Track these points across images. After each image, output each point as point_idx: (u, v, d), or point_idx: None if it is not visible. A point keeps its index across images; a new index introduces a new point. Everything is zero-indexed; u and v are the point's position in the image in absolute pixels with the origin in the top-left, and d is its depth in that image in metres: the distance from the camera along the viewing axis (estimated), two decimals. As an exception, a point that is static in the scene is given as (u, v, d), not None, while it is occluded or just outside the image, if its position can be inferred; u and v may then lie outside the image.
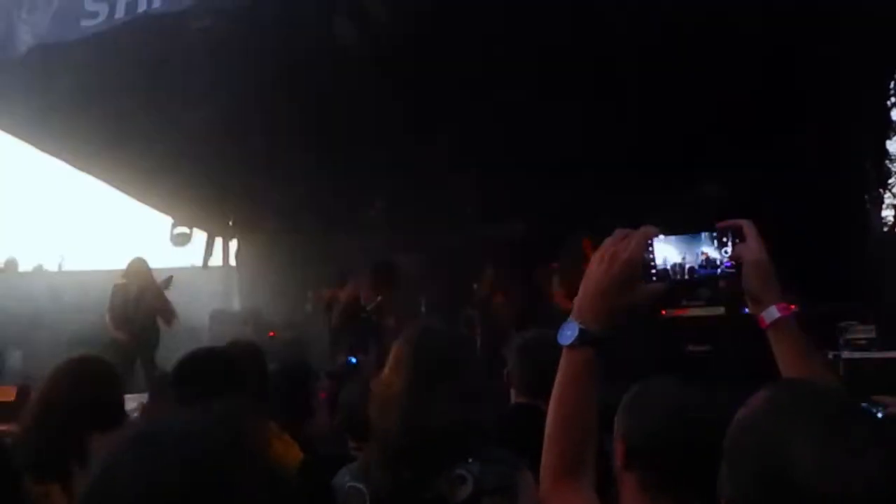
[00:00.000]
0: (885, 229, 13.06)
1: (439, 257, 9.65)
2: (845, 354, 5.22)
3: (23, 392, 6.24)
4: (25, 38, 6.22)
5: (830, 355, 5.23)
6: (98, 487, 0.90)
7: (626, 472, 1.68)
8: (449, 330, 2.07)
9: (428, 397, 1.83)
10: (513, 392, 2.71)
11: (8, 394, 6.12)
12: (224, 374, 2.52)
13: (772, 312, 1.47)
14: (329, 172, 8.82)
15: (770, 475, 1.02)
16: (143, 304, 6.93)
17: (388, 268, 7.88)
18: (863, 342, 6.01)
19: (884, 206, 12.57)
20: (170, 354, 7.88)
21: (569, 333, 1.39)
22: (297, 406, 3.67)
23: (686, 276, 1.45)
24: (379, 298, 7.70)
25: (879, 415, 2.71)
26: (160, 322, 7.20)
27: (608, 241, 1.41)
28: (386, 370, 1.94)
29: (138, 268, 7.06)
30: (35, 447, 2.14)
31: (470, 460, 1.84)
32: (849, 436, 1.00)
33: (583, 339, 1.37)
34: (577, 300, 1.42)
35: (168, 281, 7.10)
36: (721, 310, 7.72)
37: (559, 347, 2.66)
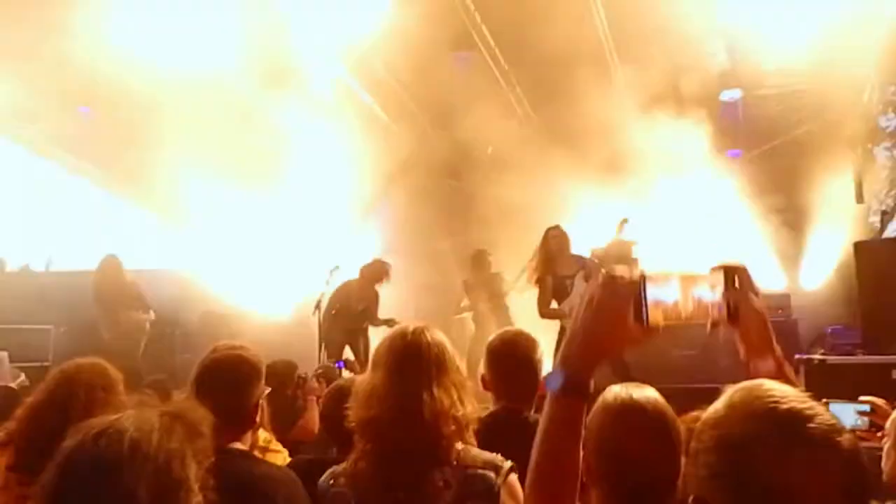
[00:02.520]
0: (873, 233, 13.17)
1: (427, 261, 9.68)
2: (830, 359, 5.25)
3: (9, 395, 6.20)
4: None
5: (816, 360, 5.25)
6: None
7: (592, 488, 1.68)
8: (429, 331, 2.05)
9: (409, 399, 1.84)
10: (492, 396, 2.66)
11: (-7, 395, 6.08)
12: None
13: (768, 365, 1.44)
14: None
15: (733, 472, 1.05)
16: (122, 302, 6.94)
17: (377, 266, 7.85)
18: (847, 346, 6.06)
19: (871, 212, 12.70)
20: (164, 355, 7.86)
21: (555, 381, 1.34)
22: (284, 410, 3.67)
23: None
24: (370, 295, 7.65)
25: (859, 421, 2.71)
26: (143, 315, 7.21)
27: (596, 287, 1.36)
28: (367, 372, 1.95)
29: (110, 266, 7.10)
30: (25, 448, 2.13)
31: (454, 463, 1.84)
32: (806, 433, 1.04)
33: (568, 386, 1.33)
34: (563, 346, 1.38)
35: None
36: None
37: (532, 349, 2.66)
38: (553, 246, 6.00)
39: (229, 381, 2.20)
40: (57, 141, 9.42)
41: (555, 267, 5.98)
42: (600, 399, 1.74)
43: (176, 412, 1.23)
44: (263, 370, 2.32)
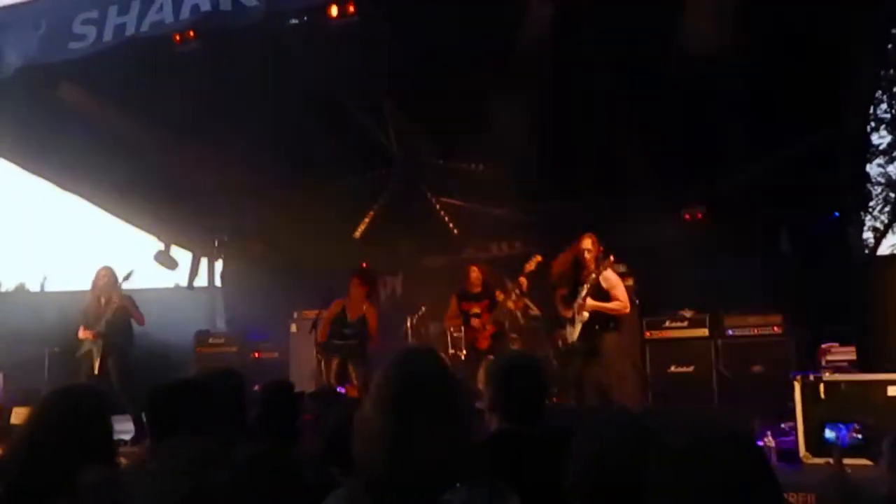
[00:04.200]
0: (867, 251, 13.27)
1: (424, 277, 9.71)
2: (826, 376, 5.27)
3: (3, 414, 6.21)
4: (13, 59, 6.24)
5: (811, 377, 5.28)
6: None
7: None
8: (430, 354, 2.05)
9: (411, 427, 1.82)
10: (493, 418, 2.67)
11: (-12, 415, 6.08)
12: (195, 404, 2.53)
13: None
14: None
15: None
16: (111, 304, 7.00)
17: (368, 275, 7.84)
18: (843, 364, 6.08)
19: (864, 228, 12.82)
20: (156, 375, 7.82)
21: None
22: (283, 429, 3.66)
23: None
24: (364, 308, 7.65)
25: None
26: (134, 324, 7.23)
27: None
28: (367, 401, 1.92)
29: (106, 277, 7.15)
30: (17, 478, 2.07)
31: (457, 486, 1.83)
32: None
33: None
34: None
35: (128, 275, 7.16)
36: (705, 331, 7.80)
37: (540, 370, 2.69)
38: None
39: None
40: None
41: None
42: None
43: None
44: None
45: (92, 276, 7.25)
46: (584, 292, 6.22)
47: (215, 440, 1.94)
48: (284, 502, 1.66)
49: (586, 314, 6.20)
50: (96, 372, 6.85)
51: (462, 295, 7.90)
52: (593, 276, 6.20)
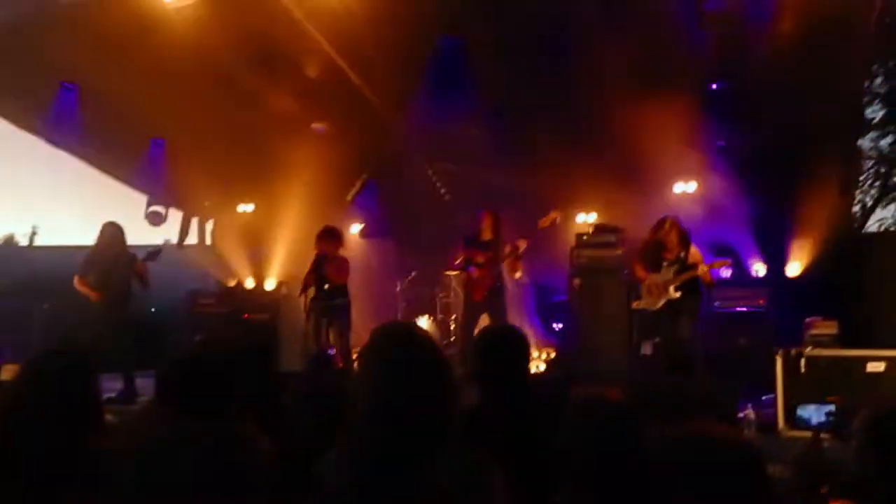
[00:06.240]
0: (856, 225, 13.32)
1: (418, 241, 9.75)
2: (806, 352, 5.35)
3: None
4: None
5: (793, 352, 5.36)
6: None
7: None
8: (412, 328, 2.09)
9: (397, 398, 1.87)
10: (476, 390, 2.70)
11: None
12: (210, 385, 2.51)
13: None
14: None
15: None
16: (116, 270, 6.88)
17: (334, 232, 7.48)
18: (825, 339, 6.15)
19: (853, 202, 12.81)
20: (147, 334, 7.80)
21: None
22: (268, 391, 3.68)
23: None
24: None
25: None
26: (135, 286, 7.14)
27: None
28: (355, 374, 1.97)
29: (112, 234, 7.01)
30: (2, 440, 2.07)
31: (442, 459, 1.88)
32: None
33: None
34: None
35: (156, 253, 7.04)
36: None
37: (523, 343, 2.73)
38: None
39: None
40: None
41: None
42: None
43: None
44: None
45: (84, 230, 7.10)
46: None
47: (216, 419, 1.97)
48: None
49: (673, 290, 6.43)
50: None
51: (469, 240, 7.57)
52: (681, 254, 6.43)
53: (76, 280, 6.91)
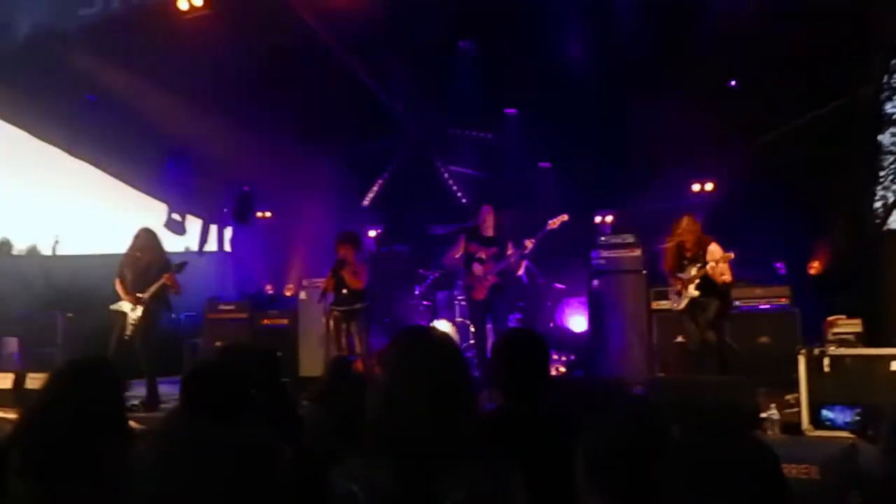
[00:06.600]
0: (877, 221, 13.14)
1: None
2: (830, 350, 5.27)
3: (19, 379, 6.29)
4: (22, 25, 6.24)
5: (816, 351, 5.28)
6: None
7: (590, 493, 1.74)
8: (432, 331, 2.09)
9: (418, 402, 1.87)
10: (496, 395, 2.68)
11: (5, 381, 6.17)
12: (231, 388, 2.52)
13: None
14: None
15: None
16: (149, 276, 6.91)
17: (352, 236, 7.36)
18: (848, 337, 6.08)
19: (875, 198, 12.65)
20: (165, 341, 7.86)
21: None
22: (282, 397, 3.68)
23: None
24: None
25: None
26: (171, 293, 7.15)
27: None
28: (378, 376, 1.97)
29: (147, 240, 7.04)
30: (30, 449, 2.11)
31: (463, 464, 1.87)
32: None
33: None
34: None
35: (181, 266, 7.07)
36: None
37: (543, 347, 2.72)
38: None
39: None
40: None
41: None
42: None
43: None
44: None
45: (105, 242, 7.20)
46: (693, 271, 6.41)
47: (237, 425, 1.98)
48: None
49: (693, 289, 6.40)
50: (128, 332, 6.76)
51: (471, 235, 7.29)
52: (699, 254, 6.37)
53: (117, 283, 6.95)
